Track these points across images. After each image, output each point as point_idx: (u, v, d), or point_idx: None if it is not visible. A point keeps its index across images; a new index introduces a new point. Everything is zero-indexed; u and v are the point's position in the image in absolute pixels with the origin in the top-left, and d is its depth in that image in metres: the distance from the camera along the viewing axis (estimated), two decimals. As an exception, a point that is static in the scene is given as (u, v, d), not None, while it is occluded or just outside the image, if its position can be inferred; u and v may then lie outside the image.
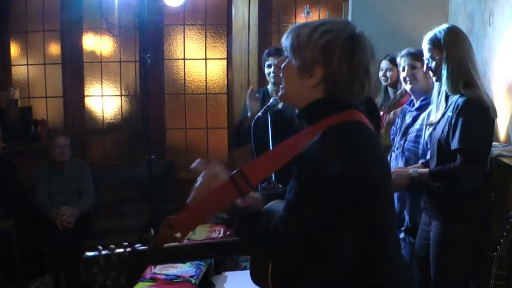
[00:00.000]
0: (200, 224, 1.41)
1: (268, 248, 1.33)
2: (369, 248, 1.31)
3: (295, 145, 1.34)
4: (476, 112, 2.28)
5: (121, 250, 1.40)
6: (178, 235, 1.38)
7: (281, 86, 1.44)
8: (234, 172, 1.35)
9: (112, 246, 1.40)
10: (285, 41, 1.40)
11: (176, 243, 1.43)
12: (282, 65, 1.42)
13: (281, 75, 1.43)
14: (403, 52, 2.84)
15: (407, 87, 2.82)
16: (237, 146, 3.35)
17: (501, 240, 2.12)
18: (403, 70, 2.82)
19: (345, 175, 1.24)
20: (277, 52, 3.37)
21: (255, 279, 1.53)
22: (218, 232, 3.47)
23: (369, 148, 1.33)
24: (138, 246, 1.41)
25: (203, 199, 1.35)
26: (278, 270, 1.40)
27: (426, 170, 2.44)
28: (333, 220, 1.26)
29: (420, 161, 2.62)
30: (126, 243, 1.41)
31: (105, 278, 1.37)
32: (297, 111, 1.42)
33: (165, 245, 1.42)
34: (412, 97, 2.86)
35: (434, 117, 2.48)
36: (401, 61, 2.83)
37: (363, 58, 1.35)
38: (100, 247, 1.39)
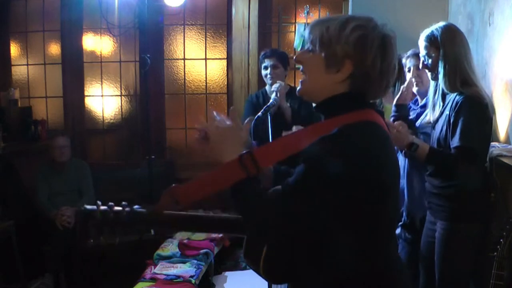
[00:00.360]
0: (201, 199, 1.38)
1: (257, 213, 1.30)
2: (370, 248, 1.31)
3: (308, 136, 1.32)
4: (476, 110, 2.27)
5: (119, 208, 1.40)
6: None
7: (300, 80, 1.41)
8: (244, 152, 1.32)
9: (111, 203, 1.39)
10: (311, 34, 1.37)
11: (175, 212, 1.42)
12: (305, 58, 1.38)
13: (300, 68, 1.40)
14: (409, 52, 2.80)
15: (414, 89, 2.78)
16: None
17: (501, 240, 2.12)
18: (409, 71, 2.79)
19: (354, 176, 1.23)
20: (273, 53, 3.37)
21: (248, 260, 1.51)
22: (218, 232, 3.46)
23: (381, 151, 1.32)
24: (137, 207, 1.40)
25: (208, 173, 1.33)
26: (270, 256, 1.38)
27: (427, 145, 2.38)
28: (335, 219, 1.26)
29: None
30: (125, 203, 1.40)
31: (99, 233, 1.37)
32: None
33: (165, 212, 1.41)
34: (417, 97, 2.85)
35: (430, 116, 2.47)
36: (407, 62, 2.80)
37: (393, 57, 1.36)
38: (99, 202, 1.38)
